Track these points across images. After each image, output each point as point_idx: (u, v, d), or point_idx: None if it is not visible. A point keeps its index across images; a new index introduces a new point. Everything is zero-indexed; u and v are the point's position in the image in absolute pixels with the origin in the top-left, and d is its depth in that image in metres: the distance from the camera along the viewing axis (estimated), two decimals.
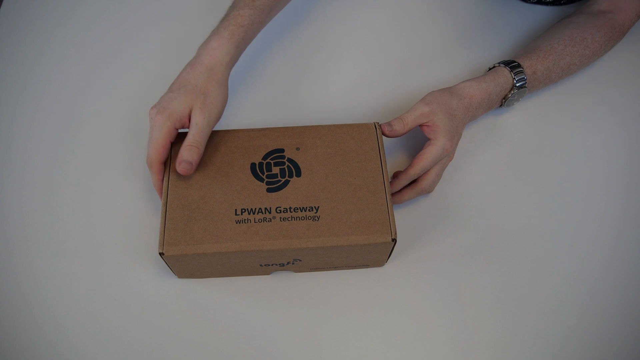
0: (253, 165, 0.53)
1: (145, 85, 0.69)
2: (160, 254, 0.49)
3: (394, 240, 0.50)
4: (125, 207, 0.60)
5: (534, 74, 0.63)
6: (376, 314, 0.56)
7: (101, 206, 0.61)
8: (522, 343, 0.54)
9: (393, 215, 0.50)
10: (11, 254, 0.58)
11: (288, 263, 0.54)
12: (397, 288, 0.57)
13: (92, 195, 0.61)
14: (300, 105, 0.68)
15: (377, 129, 0.55)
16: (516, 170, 0.64)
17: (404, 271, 0.58)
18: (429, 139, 0.57)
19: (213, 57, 0.54)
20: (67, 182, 0.62)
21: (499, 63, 0.64)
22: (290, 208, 0.51)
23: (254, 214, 0.50)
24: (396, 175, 0.58)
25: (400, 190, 0.58)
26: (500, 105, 0.65)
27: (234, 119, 0.66)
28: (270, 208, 0.51)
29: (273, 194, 0.51)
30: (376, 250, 0.52)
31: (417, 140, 0.64)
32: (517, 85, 0.62)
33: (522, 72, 0.62)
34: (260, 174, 0.53)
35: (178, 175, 0.52)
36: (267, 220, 0.50)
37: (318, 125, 0.56)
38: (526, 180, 0.64)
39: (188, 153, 0.50)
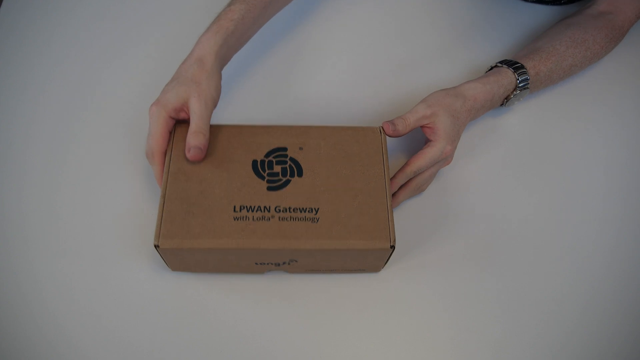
0: (255, 162, 0.53)
1: (146, 85, 0.69)
2: (155, 246, 0.48)
3: (392, 247, 0.50)
4: (125, 207, 0.60)
5: (536, 74, 0.63)
6: (375, 315, 0.56)
7: (101, 206, 0.61)
8: (522, 344, 0.54)
9: (393, 222, 0.50)
10: (11, 254, 0.58)
11: (284, 263, 0.53)
12: (397, 288, 0.57)
13: (92, 195, 0.61)
14: (299, 104, 0.68)
15: (382, 134, 0.55)
16: (515, 171, 0.64)
17: (404, 271, 0.58)
18: (429, 140, 0.57)
19: (201, 49, 0.54)
20: (67, 182, 0.62)
21: (500, 63, 0.63)
22: (289, 208, 0.50)
23: (252, 211, 0.50)
24: (393, 177, 0.58)
25: (394, 193, 0.58)
26: (501, 105, 0.65)
27: (233, 116, 0.66)
28: (269, 207, 0.50)
29: (273, 192, 0.51)
30: (374, 256, 0.52)
31: (418, 142, 0.64)
32: (520, 86, 0.62)
33: (525, 72, 0.62)
34: (262, 172, 0.52)
35: (178, 167, 0.52)
36: (265, 219, 0.50)
37: (322, 126, 0.55)
38: (526, 181, 0.64)
39: (195, 139, 0.51)
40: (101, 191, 0.62)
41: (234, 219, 0.49)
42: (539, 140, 0.66)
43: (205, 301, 0.56)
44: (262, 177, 0.52)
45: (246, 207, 0.50)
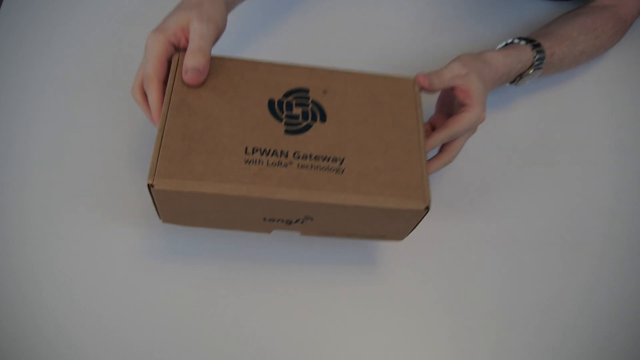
0: (272, 101, 0.46)
1: None
2: (148, 186, 0.41)
3: (427, 209, 0.43)
4: (126, 207, 0.60)
5: (551, 55, 0.62)
6: (375, 315, 0.55)
7: (102, 206, 0.61)
8: (522, 343, 0.54)
9: (428, 180, 0.44)
10: (11, 254, 0.58)
11: (297, 221, 0.46)
12: (397, 288, 0.57)
13: (92, 195, 0.61)
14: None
15: (415, 86, 0.50)
16: (516, 170, 0.64)
17: (404, 271, 0.58)
18: (463, 105, 0.53)
19: None
20: (68, 181, 0.62)
21: (517, 39, 0.62)
22: (310, 155, 0.44)
23: (267, 155, 0.43)
24: (428, 137, 0.54)
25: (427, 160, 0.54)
26: (512, 83, 0.63)
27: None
28: (287, 152, 0.43)
29: (292, 136, 0.45)
30: (404, 219, 0.45)
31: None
32: (536, 64, 0.61)
33: (543, 51, 0.61)
34: (279, 112, 0.46)
35: (181, 99, 0.45)
36: (282, 165, 0.43)
37: (350, 71, 0.49)
38: (526, 180, 0.64)
39: (192, 59, 0.45)
40: (101, 191, 0.61)
41: (245, 162, 0.42)
42: (540, 139, 0.66)
43: (205, 301, 0.56)
44: (280, 119, 0.45)
45: (260, 149, 0.43)
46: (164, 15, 0.75)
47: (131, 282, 0.56)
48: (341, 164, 0.44)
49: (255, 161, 0.43)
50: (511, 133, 0.67)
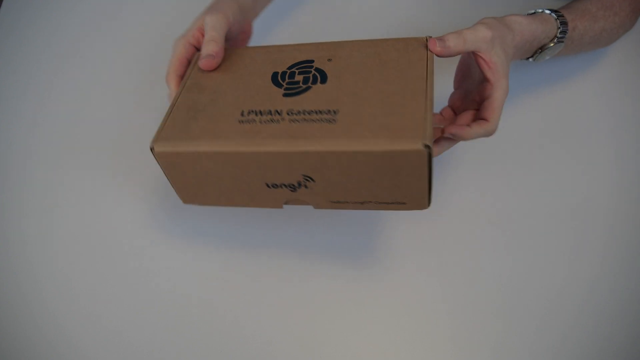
0: (275, 73, 0.47)
1: (147, 84, 0.69)
2: (151, 150, 0.44)
3: (427, 148, 0.38)
4: (126, 207, 0.60)
5: (573, 29, 0.58)
6: (375, 315, 0.55)
7: (101, 206, 0.61)
8: (523, 343, 0.54)
9: (431, 121, 0.39)
10: (11, 254, 0.58)
11: (300, 185, 0.45)
12: (397, 288, 0.57)
13: (92, 196, 0.61)
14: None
15: (428, 42, 0.46)
16: (517, 169, 0.64)
17: (404, 271, 0.58)
18: (486, 80, 0.49)
19: None
20: (68, 182, 0.62)
21: (541, 9, 0.57)
22: (304, 111, 0.43)
23: (261, 115, 0.44)
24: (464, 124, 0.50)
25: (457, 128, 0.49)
26: (529, 58, 0.58)
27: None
28: (281, 110, 0.43)
29: (289, 98, 0.44)
30: (407, 168, 0.40)
31: None
32: (559, 37, 0.56)
33: (566, 24, 0.56)
34: (281, 81, 0.46)
35: (194, 82, 0.49)
36: (275, 121, 0.43)
37: (358, 40, 0.48)
38: (527, 179, 0.64)
39: (206, 47, 0.50)
40: (101, 192, 0.62)
41: (239, 122, 0.43)
42: (540, 138, 0.66)
43: (205, 301, 0.56)
44: (280, 86, 0.46)
45: (255, 111, 0.44)
46: (161, 14, 0.75)
47: (131, 282, 0.56)
48: (335, 115, 0.42)
49: (249, 121, 0.43)
50: (511, 132, 0.67)
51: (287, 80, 0.46)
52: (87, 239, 0.59)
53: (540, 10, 0.57)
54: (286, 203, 0.47)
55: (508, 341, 0.54)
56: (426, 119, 0.39)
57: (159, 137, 0.44)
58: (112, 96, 0.68)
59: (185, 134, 0.44)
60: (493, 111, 0.49)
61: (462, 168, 0.64)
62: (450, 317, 0.55)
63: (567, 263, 0.59)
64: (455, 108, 0.55)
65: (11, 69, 0.71)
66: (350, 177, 0.43)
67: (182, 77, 0.52)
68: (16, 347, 0.53)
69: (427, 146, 0.38)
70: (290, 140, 0.41)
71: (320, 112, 0.42)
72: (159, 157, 0.44)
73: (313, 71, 0.46)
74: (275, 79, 0.47)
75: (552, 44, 0.57)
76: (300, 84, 0.45)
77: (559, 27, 0.56)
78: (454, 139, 0.51)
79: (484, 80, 0.49)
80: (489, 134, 0.51)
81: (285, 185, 0.45)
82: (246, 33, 0.60)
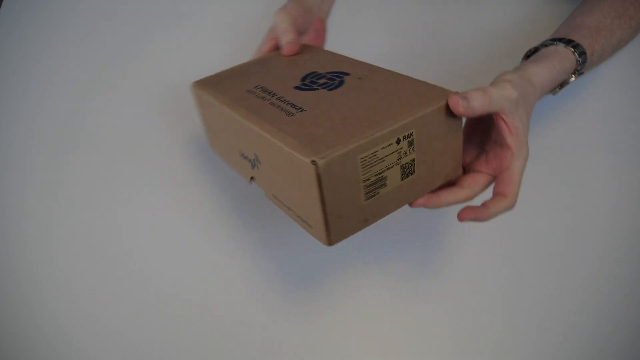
0: (312, 72, 0.51)
1: (147, 84, 0.69)
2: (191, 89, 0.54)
3: (316, 165, 0.36)
4: (126, 207, 0.60)
5: (592, 54, 0.53)
6: (375, 315, 0.55)
7: (101, 206, 0.61)
8: (523, 343, 0.54)
9: (355, 146, 0.37)
10: (11, 254, 0.58)
11: (254, 163, 0.47)
12: (397, 288, 0.57)
13: (92, 195, 0.61)
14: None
15: (450, 99, 0.41)
16: None
17: (404, 271, 0.58)
18: (507, 146, 0.44)
19: None
20: (68, 182, 0.62)
21: (553, 41, 0.53)
22: (284, 99, 0.46)
23: (263, 92, 0.49)
24: (484, 205, 0.45)
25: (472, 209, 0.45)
26: (550, 92, 0.54)
27: None
28: (275, 93, 0.48)
29: (295, 90, 0.48)
30: (305, 183, 0.38)
31: None
32: (579, 69, 0.53)
33: (584, 53, 0.52)
34: (307, 78, 0.50)
35: (264, 57, 0.57)
36: (262, 98, 0.47)
37: (395, 72, 0.47)
38: (526, 180, 0.63)
39: (283, 38, 0.56)
40: (101, 193, 0.62)
41: (246, 91, 0.50)
42: (540, 138, 0.66)
43: (205, 301, 0.56)
44: (303, 80, 0.50)
45: (261, 87, 0.50)
46: (160, 15, 0.75)
47: (131, 282, 0.56)
48: (299, 111, 0.43)
49: (252, 93, 0.49)
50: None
51: (311, 79, 0.50)
52: (87, 239, 0.59)
53: (553, 43, 0.53)
54: (252, 179, 0.49)
55: (508, 341, 0.54)
56: (351, 145, 0.37)
57: (203, 80, 0.53)
58: (112, 96, 0.68)
59: (214, 86, 0.52)
60: (513, 184, 0.45)
61: None
62: (450, 317, 0.55)
63: (567, 264, 0.59)
64: (465, 164, 0.49)
65: (11, 69, 0.71)
66: (279, 173, 0.42)
67: (274, 39, 0.58)
68: (16, 347, 0.53)
69: (314, 162, 0.35)
70: (250, 114, 0.45)
71: (292, 105, 0.45)
72: (193, 94, 0.54)
73: (336, 80, 0.48)
74: (306, 76, 0.51)
75: (572, 78, 0.54)
76: (315, 86, 0.48)
77: (578, 60, 0.52)
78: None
79: (503, 144, 0.45)
80: (509, 209, 0.46)
81: (246, 158, 0.49)
82: (318, 31, 0.61)
